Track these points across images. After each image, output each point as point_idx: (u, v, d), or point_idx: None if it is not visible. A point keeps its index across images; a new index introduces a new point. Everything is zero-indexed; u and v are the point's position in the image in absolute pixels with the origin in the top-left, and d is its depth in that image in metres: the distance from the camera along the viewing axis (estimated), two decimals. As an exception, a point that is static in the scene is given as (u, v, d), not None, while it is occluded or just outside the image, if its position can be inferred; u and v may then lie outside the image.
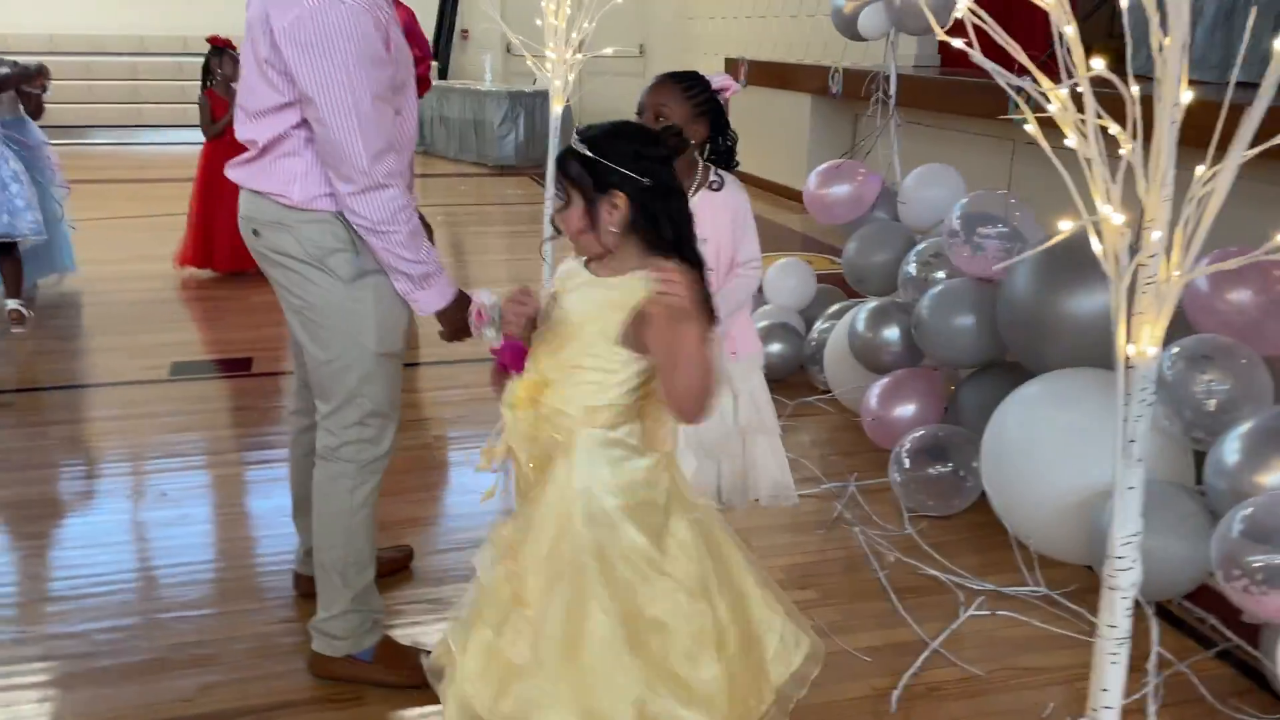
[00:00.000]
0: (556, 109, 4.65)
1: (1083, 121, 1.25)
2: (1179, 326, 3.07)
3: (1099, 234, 1.24)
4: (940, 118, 6.52)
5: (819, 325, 4.27)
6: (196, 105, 5.94)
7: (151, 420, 3.89)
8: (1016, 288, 3.08)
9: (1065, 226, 1.25)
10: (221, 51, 5.86)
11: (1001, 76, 1.29)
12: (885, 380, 3.56)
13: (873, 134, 4.43)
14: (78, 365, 4.55)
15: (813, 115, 8.38)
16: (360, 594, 2.30)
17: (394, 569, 2.76)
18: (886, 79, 4.38)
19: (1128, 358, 1.28)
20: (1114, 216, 1.21)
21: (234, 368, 4.47)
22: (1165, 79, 1.18)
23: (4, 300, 4.90)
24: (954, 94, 6.09)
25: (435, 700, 1.80)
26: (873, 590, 2.78)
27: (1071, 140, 1.22)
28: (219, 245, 5.78)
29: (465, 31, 12.18)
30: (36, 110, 5.17)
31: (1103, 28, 6.00)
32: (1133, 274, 1.26)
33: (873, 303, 3.79)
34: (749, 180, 10.10)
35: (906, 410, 3.46)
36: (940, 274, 3.61)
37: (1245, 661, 2.46)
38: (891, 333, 3.64)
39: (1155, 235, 1.22)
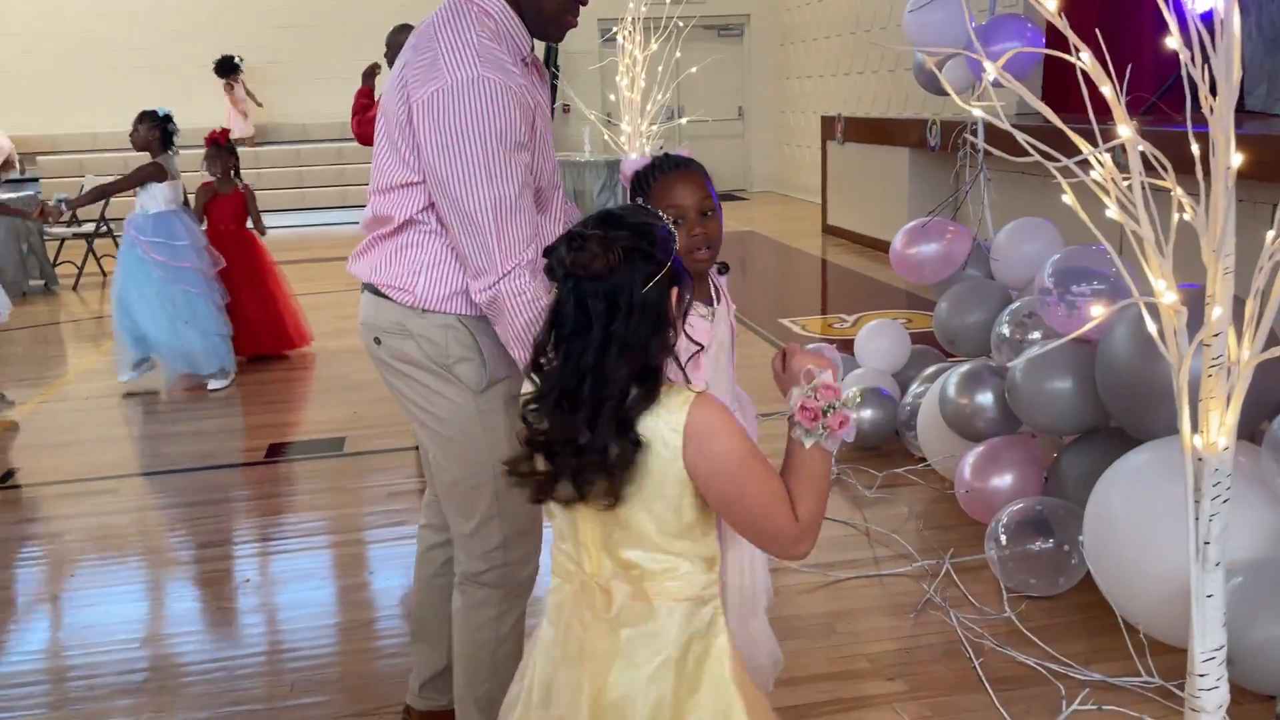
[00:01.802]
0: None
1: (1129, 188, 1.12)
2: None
3: (1152, 314, 1.10)
4: (1043, 166, 6.27)
5: (914, 388, 4.08)
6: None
7: (245, 503, 3.97)
8: (1115, 349, 2.87)
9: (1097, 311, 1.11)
10: (217, 147, 5.77)
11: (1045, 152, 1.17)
12: (980, 449, 3.36)
13: (961, 188, 4.27)
14: (177, 449, 4.67)
15: (911, 169, 8.21)
16: None
17: None
18: (975, 131, 4.23)
19: (1195, 449, 1.12)
20: (1166, 295, 1.07)
21: (327, 448, 4.52)
22: (1217, 141, 1.04)
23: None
24: (1050, 141, 5.84)
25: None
26: (968, 681, 2.58)
27: (1113, 211, 1.09)
28: None
29: (566, 107, 12.45)
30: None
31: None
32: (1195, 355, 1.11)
33: (965, 366, 3.60)
34: (848, 236, 9.90)
35: (1003, 481, 3.24)
36: (1035, 334, 3.41)
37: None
38: (985, 398, 3.44)
39: (1216, 312, 1.07)
